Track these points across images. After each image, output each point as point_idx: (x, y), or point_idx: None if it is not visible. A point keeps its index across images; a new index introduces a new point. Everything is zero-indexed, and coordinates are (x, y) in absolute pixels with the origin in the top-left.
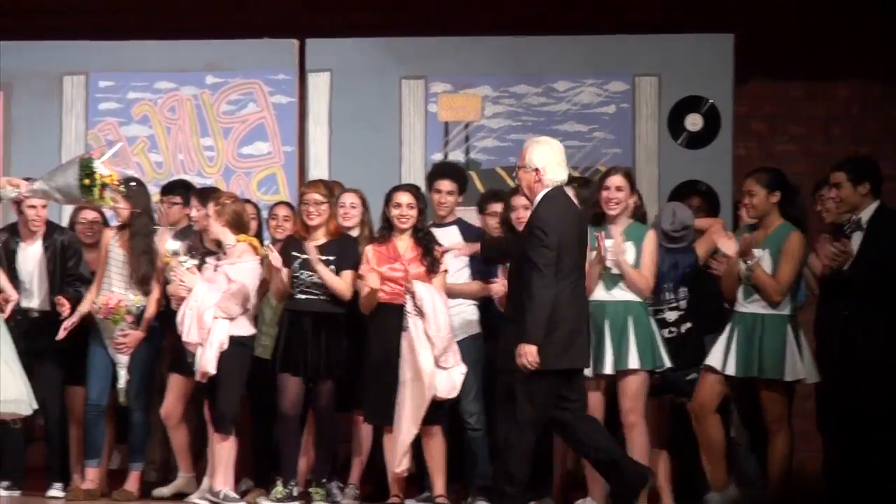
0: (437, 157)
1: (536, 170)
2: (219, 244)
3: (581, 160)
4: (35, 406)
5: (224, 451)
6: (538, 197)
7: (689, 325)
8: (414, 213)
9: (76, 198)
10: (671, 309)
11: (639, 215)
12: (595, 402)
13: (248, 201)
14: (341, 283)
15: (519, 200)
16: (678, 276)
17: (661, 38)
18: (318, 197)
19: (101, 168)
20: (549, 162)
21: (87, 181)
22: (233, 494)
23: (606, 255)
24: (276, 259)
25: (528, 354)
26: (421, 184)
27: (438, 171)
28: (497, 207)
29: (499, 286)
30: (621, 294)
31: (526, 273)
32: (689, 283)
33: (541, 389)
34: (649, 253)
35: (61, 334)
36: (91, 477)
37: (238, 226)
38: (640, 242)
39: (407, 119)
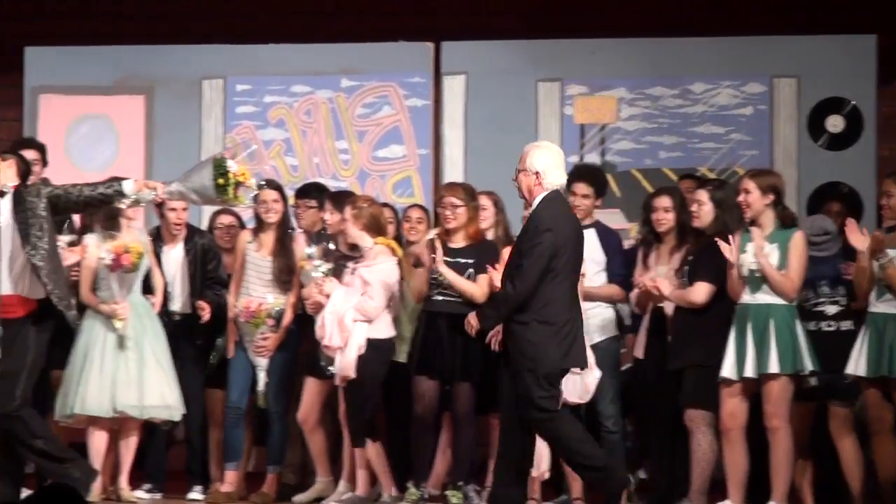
0: (573, 159)
1: (537, 173)
2: (355, 247)
3: (717, 162)
4: (184, 410)
5: (373, 456)
6: (537, 199)
7: (849, 323)
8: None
9: (211, 198)
10: (831, 303)
11: (786, 218)
12: (737, 405)
13: (385, 205)
14: (472, 287)
15: (661, 202)
16: (834, 273)
17: (801, 40)
18: (455, 200)
19: (235, 167)
20: (548, 165)
21: (221, 181)
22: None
23: (741, 258)
24: (439, 255)
25: (470, 321)
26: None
27: (574, 174)
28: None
29: (659, 282)
30: (764, 297)
31: (514, 269)
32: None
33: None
34: (797, 255)
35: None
36: (230, 480)
37: (375, 228)
38: (787, 245)
39: (543, 121)
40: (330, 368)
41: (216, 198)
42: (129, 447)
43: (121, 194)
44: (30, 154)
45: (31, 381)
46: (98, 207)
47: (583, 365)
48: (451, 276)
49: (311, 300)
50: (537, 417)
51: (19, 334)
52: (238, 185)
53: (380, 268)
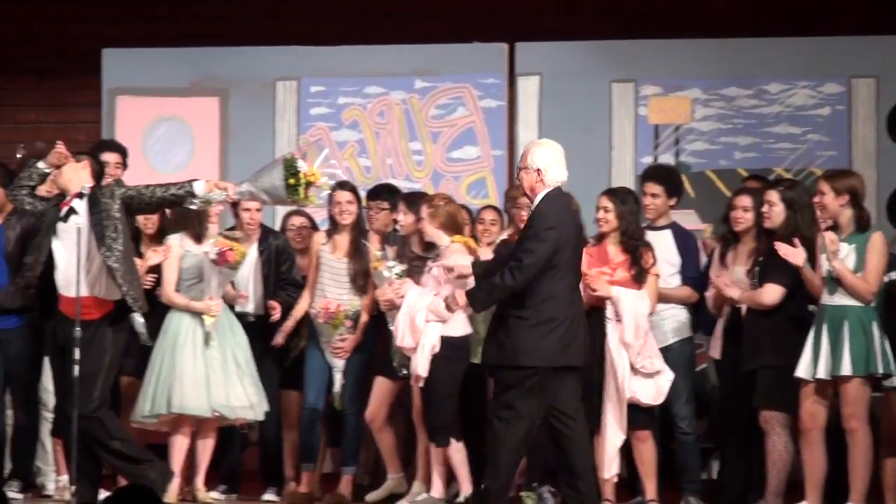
0: (647, 160)
1: (538, 170)
2: (429, 247)
3: (794, 163)
4: (267, 408)
5: (456, 455)
6: (539, 197)
7: None
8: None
9: (282, 198)
10: None
11: (863, 220)
12: (816, 406)
13: (463, 207)
14: None
15: (740, 201)
16: None
17: (879, 40)
18: (528, 201)
19: (305, 167)
20: (550, 163)
21: (291, 181)
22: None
23: (821, 259)
24: None
25: (457, 300)
26: (635, 187)
27: (645, 174)
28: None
29: (727, 288)
30: (841, 299)
31: (515, 261)
32: None
33: (536, 385)
34: (874, 257)
35: (279, 339)
36: (306, 481)
37: (452, 227)
38: (864, 247)
39: (617, 122)
40: (403, 370)
41: (287, 198)
42: (205, 448)
43: (192, 195)
44: (111, 156)
45: (108, 382)
46: (170, 207)
47: (580, 363)
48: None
49: (385, 300)
50: (502, 416)
51: (96, 336)
52: (308, 185)
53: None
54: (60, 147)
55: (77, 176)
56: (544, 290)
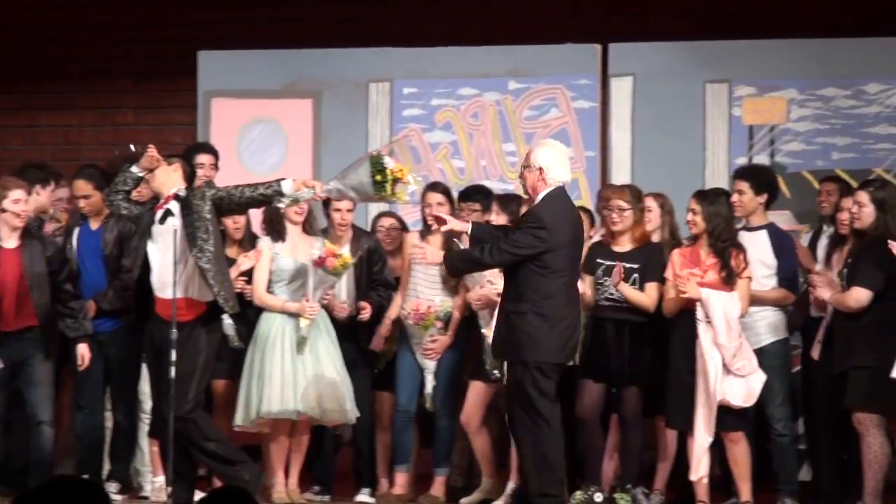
0: (741, 161)
1: (540, 169)
2: None
3: (894, 163)
4: (358, 413)
5: None
6: (540, 195)
7: None
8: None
9: (370, 195)
10: None
11: None
12: None
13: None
14: (643, 298)
15: (847, 202)
16: None
17: None
18: (622, 203)
19: (392, 164)
20: (552, 162)
21: (378, 177)
22: None
23: None
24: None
25: (431, 255)
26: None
27: (736, 172)
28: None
29: (818, 289)
30: None
31: (498, 241)
32: None
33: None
34: None
35: (378, 343)
36: (400, 482)
37: None
38: None
39: (711, 123)
40: (495, 372)
41: (374, 194)
42: (299, 449)
43: (279, 194)
44: (205, 158)
45: (202, 383)
46: (258, 207)
47: (571, 361)
48: (627, 291)
49: (478, 298)
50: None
51: (190, 337)
52: (396, 181)
53: None
54: (152, 151)
55: (170, 179)
56: (542, 288)
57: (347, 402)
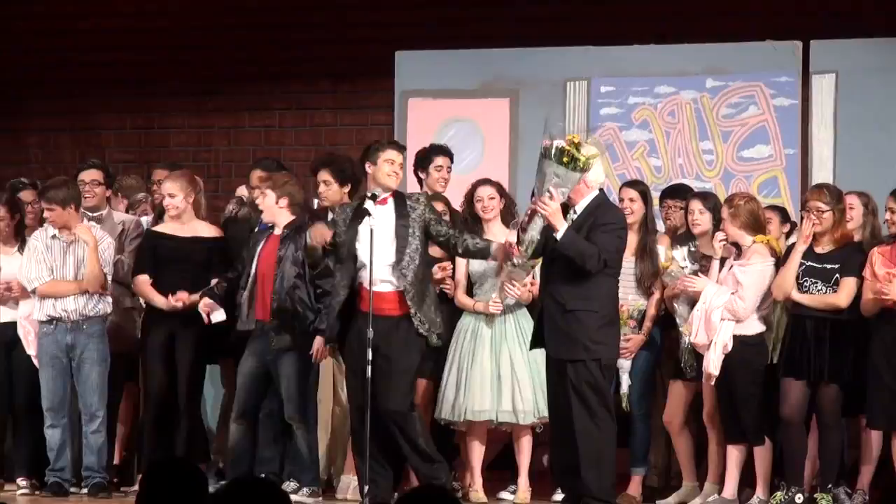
0: None
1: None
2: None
3: None
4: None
5: (763, 456)
6: (588, 198)
7: None
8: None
9: (574, 178)
10: None
11: None
12: None
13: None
14: (832, 299)
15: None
16: None
17: None
18: (820, 205)
19: (562, 142)
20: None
21: (565, 159)
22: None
23: None
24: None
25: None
26: None
27: None
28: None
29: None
30: None
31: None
32: None
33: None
34: None
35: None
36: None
37: (754, 226)
38: None
39: None
40: (690, 370)
41: (578, 173)
42: (522, 450)
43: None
44: (442, 161)
45: (416, 379)
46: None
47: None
48: (812, 297)
49: (670, 298)
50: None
51: (408, 334)
52: (577, 147)
53: (754, 268)
54: (322, 229)
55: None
56: (607, 288)
57: (541, 403)
